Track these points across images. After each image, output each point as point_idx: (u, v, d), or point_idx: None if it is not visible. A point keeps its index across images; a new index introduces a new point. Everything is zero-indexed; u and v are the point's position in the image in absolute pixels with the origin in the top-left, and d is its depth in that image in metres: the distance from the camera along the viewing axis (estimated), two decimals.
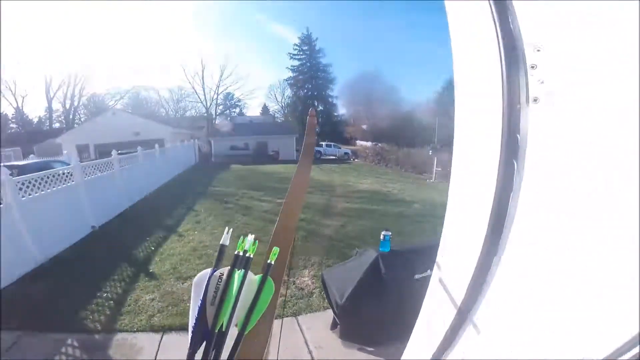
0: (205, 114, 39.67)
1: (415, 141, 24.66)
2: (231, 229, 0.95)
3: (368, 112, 41.69)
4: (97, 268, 5.17)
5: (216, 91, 39.84)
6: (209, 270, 0.91)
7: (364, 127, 42.09)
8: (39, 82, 45.37)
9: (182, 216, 8.22)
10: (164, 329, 3.65)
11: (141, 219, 8.01)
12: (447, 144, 20.52)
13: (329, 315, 3.66)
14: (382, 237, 3.21)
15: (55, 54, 53.53)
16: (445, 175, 17.66)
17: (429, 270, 3.35)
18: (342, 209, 9.34)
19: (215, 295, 0.86)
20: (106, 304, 4.18)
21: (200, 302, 0.86)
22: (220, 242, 0.92)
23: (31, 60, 52.61)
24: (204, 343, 0.84)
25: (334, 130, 39.20)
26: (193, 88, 39.29)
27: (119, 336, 3.57)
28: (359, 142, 40.12)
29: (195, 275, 0.92)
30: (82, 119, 36.89)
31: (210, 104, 39.95)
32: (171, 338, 3.52)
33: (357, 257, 3.36)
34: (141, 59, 61.37)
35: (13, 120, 35.65)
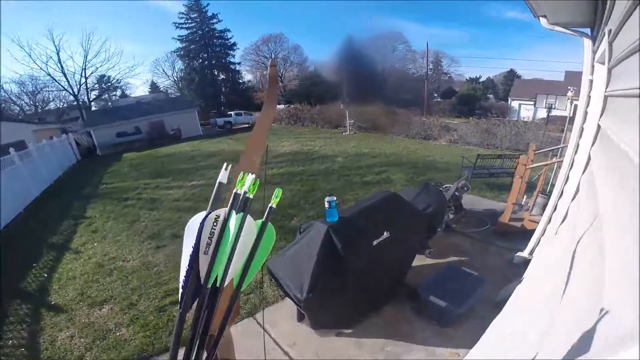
0: (75, 102, 32.42)
1: (326, 98, 24.82)
2: (230, 165, 0.86)
3: (277, 75, 39.98)
4: None
5: (82, 74, 32.41)
6: (203, 213, 0.78)
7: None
8: None
9: (72, 229, 6.43)
10: None
11: (19, 243, 5.98)
12: (355, 97, 21.15)
13: (289, 304, 3.19)
14: (326, 204, 2.73)
15: None
16: (358, 127, 18.29)
17: (385, 233, 3.09)
18: (268, 176, 8.66)
19: (209, 243, 0.74)
20: (12, 355, 3.05)
21: (192, 250, 0.74)
22: (218, 180, 0.83)
23: None
24: (196, 301, 0.75)
25: (241, 97, 36.79)
26: (48, 74, 31.15)
27: None
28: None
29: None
30: None
31: (79, 90, 32.59)
32: None
33: (304, 234, 2.83)
34: None
35: None
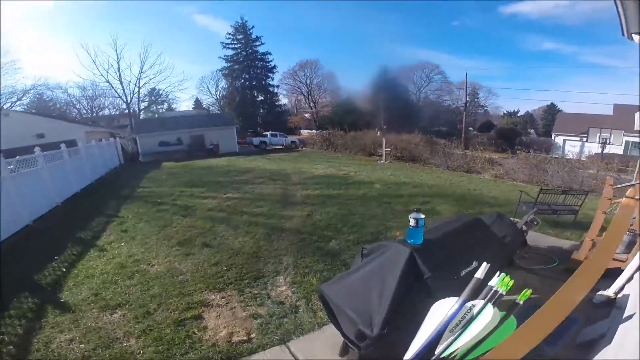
0: (127, 111, 35.01)
1: (360, 125, 24.81)
2: (488, 265, 1.10)
3: (311, 101, 41.39)
4: None
5: (137, 84, 35.20)
6: (456, 299, 0.97)
7: (307, 115, 41.63)
8: None
9: (103, 226, 6.34)
10: None
11: (47, 234, 5.96)
12: (393, 125, 20.98)
13: (328, 333, 2.74)
14: (411, 222, 2.24)
15: None
16: (394, 156, 17.80)
17: (475, 262, 2.54)
18: (302, 197, 8.30)
19: (457, 324, 0.90)
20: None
21: (440, 327, 0.91)
22: (475, 276, 1.05)
23: None
24: None
25: (277, 120, 37.82)
26: (108, 82, 34.15)
27: None
28: (303, 131, 39.50)
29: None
30: None
31: (132, 99, 35.34)
32: None
33: (373, 258, 2.32)
34: (41, 52, 51.46)
35: None
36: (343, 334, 2.22)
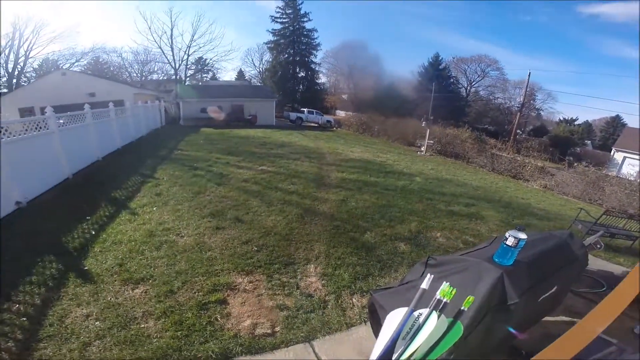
0: (174, 77, 36.12)
1: (402, 112, 23.62)
2: (432, 277, 1.15)
3: (351, 82, 40.18)
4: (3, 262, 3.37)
5: (187, 51, 35.95)
6: (405, 309, 1.02)
7: (345, 97, 40.57)
8: None
9: (137, 186, 6.37)
10: None
11: (84, 190, 6.08)
12: (440, 117, 19.74)
13: (357, 336, 2.53)
14: (510, 240, 1.76)
15: None
16: (436, 149, 16.69)
17: (556, 287, 2.07)
18: (338, 180, 7.88)
19: (408, 332, 0.94)
20: (10, 323, 2.53)
21: (394, 336, 0.94)
22: (421, 287, 1.07)
23: None
24: None
25: (314, 97, 37.28)
26: (160, 48, 35.26)
27: None
28: (339, 112, 38.65)
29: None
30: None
31: (180, 65, 36.27)
32: None
33: (445, 271, 1.88)
34: (99, 16, 53.91)
35: None
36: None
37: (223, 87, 26.88)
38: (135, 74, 38.54)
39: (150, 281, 3.19)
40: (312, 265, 3.69)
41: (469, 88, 39.84)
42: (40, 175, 5.71)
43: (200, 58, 39.28)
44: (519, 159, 15.12)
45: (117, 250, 3.79)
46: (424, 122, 16.44)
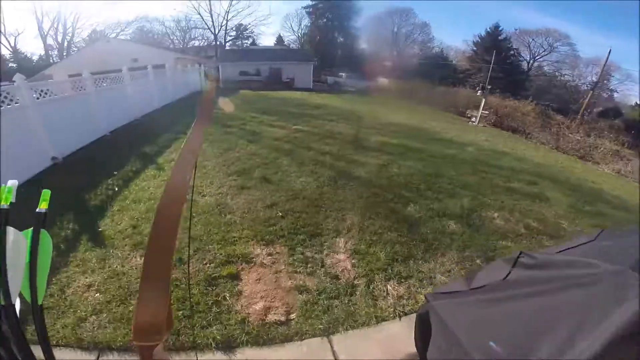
0: (214, 43, 35.89)
1: (453, 81, 21.44)
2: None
3: (395, 49, 37.56)
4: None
5: (225, 17, 35.42)
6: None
7: (387, 63, 37.98)
8: (31, 20, 41.27)
9: (168, 143, 6.13)
10: (99, 348, 1.89)
11: (117, 148, 5.98)
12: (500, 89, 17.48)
13: (384, 335, 2.05)
14: None
15: None
16: (495, 122, 14.82)
17: None
18: (377, 143, 7.06)
19: None
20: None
21: None
22: None
23: None
24: None
25: (354, 63, 35.25)
26: (199, 13, 34.97)
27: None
28: (379, 79, 36.41)
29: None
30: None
31: (219, 31, 35.99)
32: None
33: (558, 277, 1.18)
34: None
35: (11, 59, 32.79)
36: None
37: (261, 51, 26.29)
38: (177, 41, 39.05)
39: None
40: (342, 239, 3.12)
41: (531, 62, 35.52)
42: (77, 132, 5.78)
43: (240, 25, 38.64)
44: (589, 139, 12.97)
45: (134, 209, 3.52)
46: (479, 92, 14.53)
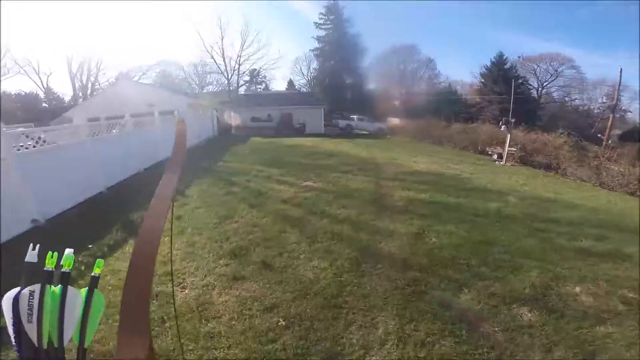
0: (228, 87, 37.45)
1: (466, 117, 20.77)
2: (38, 245, 0.82)
3: (403, 87, 38.07)
4: None
5: (237, 61, 37.03)
6: (17, 289, 0.79)
7: (397, 103, 38.29)
8: (62, 60, 46.15)
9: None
10: None
11: (108, 211, 5.30)
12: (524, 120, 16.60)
13: None
14: None
15: (73, 32, 51.98)
16: (521, 158, 13.66)
17: None
18: (404, 201, 6.04)
19: (30, 313, 0.77)
20: None
21: (12, 321, 0.76)
22: (25, 260, 0.80)
23: (53, 40, 52.80)
24: None
25: (364, 104, 35.59)
26: (212, 57, 36.71)
27: None
28: (390, 119, 36.36)
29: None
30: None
31: (232, 75, 37.52)
32: None
33: None
34: (161, 33, 59.95)
35: (43, 98, 35.25)
36: None
37: (272, 96, 26.86)
38: (194, 86, 40.91)
39: None
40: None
41: (540, 89, 35.19)
42: (68, 188, 5.24)
43: (253, 70, 40.32)
44: (635, 169, 11.54)
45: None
46: (503, 127, 13.60)
